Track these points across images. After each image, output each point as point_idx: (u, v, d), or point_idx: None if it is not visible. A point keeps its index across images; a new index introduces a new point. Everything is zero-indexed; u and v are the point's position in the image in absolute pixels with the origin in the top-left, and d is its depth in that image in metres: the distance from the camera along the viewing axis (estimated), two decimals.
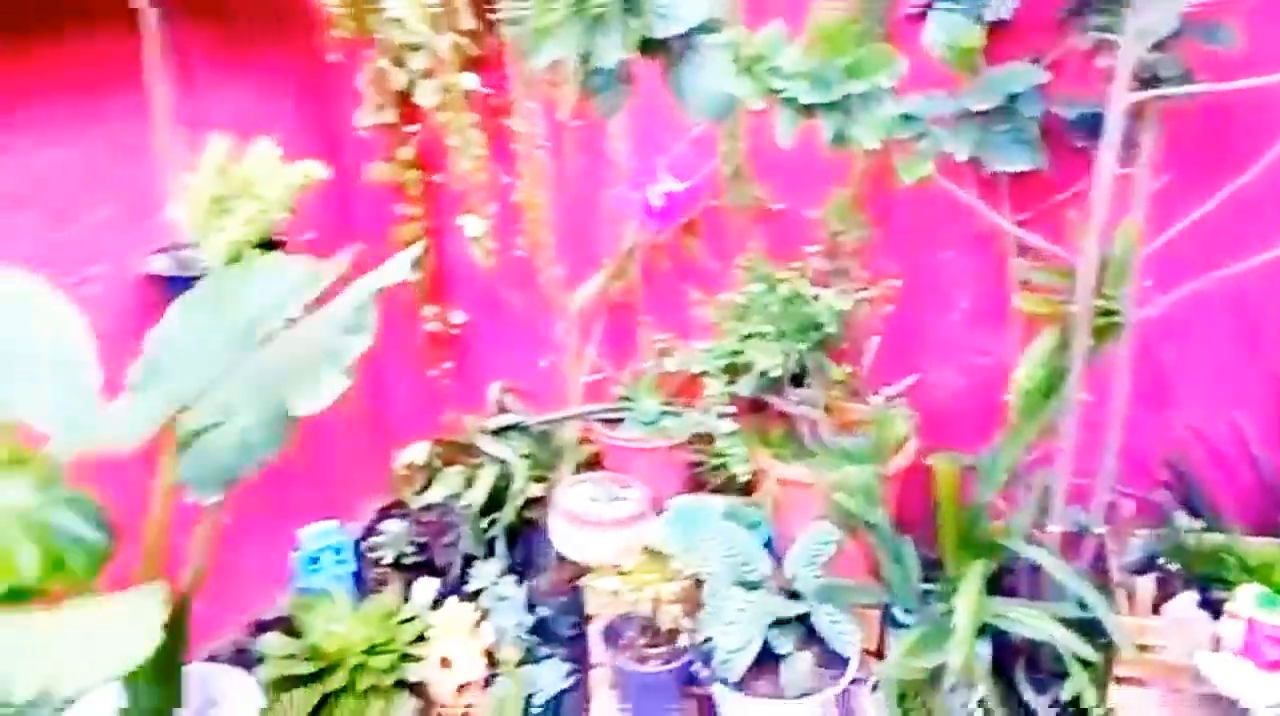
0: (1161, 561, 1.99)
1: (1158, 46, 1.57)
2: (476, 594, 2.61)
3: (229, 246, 1.97)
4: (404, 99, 2.51)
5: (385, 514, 2.92)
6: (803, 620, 1.95)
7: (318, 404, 1.59)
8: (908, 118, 1.71)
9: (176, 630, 1.68)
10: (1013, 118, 1.81)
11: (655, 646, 2.03)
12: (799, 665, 1.88)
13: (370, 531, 2.89)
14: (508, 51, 2.29)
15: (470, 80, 2.40)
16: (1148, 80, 1.61)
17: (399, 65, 2.43)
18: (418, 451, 2.88)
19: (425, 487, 2.85)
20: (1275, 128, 1.74)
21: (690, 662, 1.97)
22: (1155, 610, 1.92)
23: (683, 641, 1.99)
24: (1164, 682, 1.89)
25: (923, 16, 1.98)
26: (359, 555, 2.80)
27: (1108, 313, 1.81)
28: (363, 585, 2.74)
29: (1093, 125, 1.88)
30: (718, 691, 1.95)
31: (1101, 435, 2.01)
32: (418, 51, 2.34)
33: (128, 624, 1.16)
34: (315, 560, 2.73)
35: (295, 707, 2.29)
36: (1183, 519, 2.03)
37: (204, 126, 2.10)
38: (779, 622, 1.92)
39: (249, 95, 2.37)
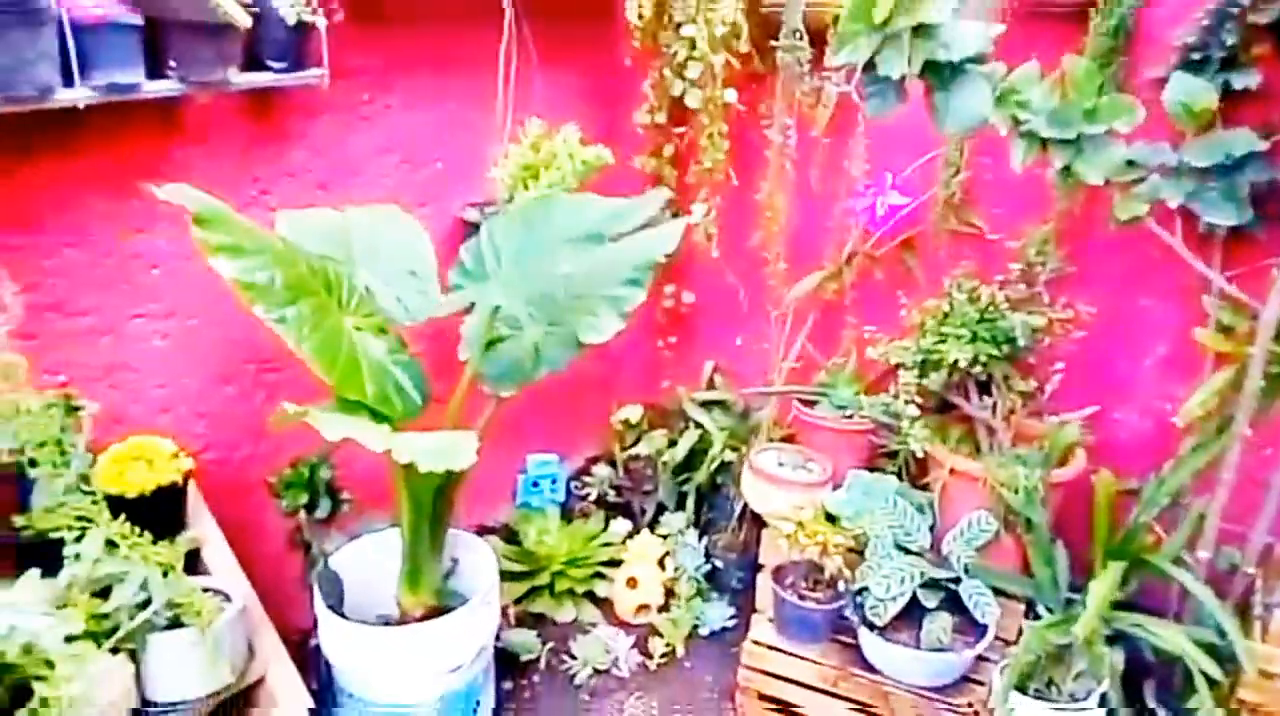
0: None
1: None
2: (665, 537, 3.00)
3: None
4: (675, 104, 2.96)
5: (595, 460, 3.37)
6: (948, 589, 2.22)
7: (599, 337, 2.05)
8: (1131, 162, 1.97)
9: (452, 486, 2.17)
10: (1228, 177, 2.03)
11: (815, 588, 2.35)
12: (939, 622, 2.15)
13: (582, 471, 3.35)
14: (779, 74, 2.67)
15: (730, 95, 2.81)
16: None
17: (678, 75, 2.88)
18: (632, 411, 3.32)
19: (634, 443, 3.27)
20: None
21: (843, 606, 2.28)
22: None
23: (840, 587, 2.30)
24: None
25: (1164, 81, 2.23)
26: (568, 489, 3.26)
27: None
28: (568, 515, 3.20)
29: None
30: (862, 634, 2.25)
31: (1265, 481, 2.17)
32: (697, 64, 2.77)
33: (464, 441, 1.63)
34: (536, 483, 3.20)
35: (506, 594, 2.75)
36: None
37: (525, 109, 2.63)
38: (927, 585, 2.20)
39: (561, 88, 2.87)
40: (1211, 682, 2.03)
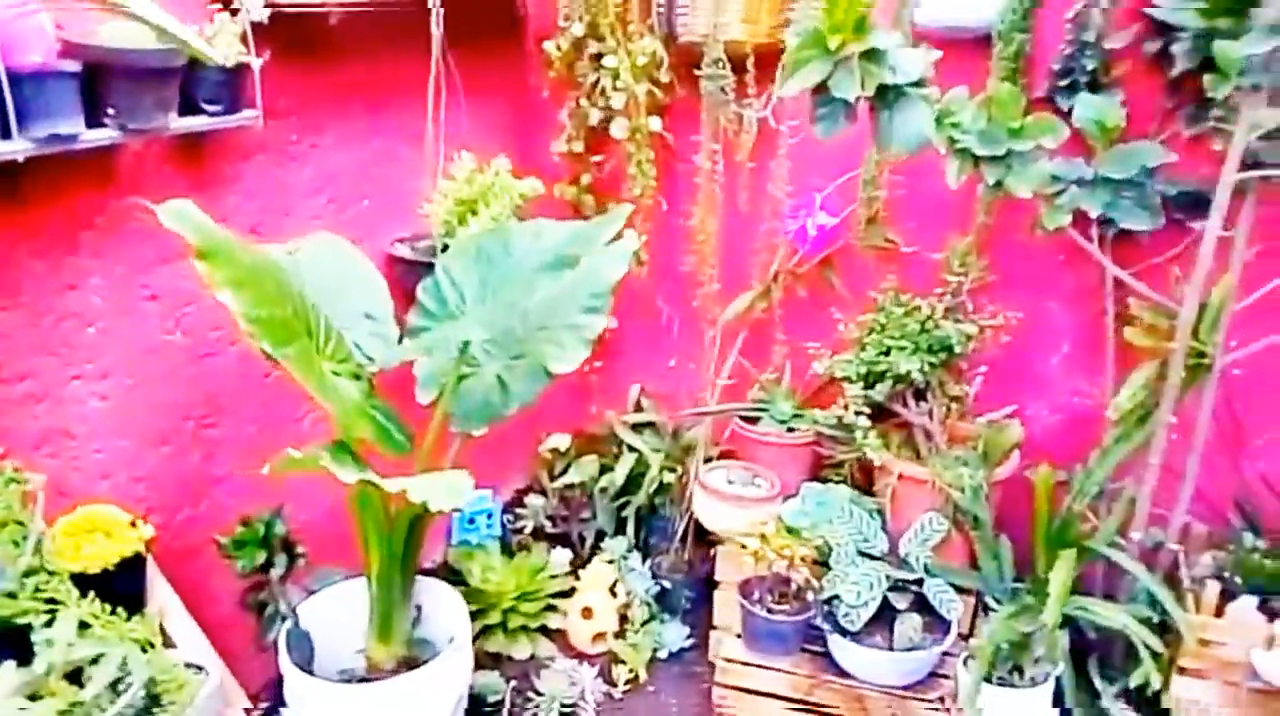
0: (1226, 574, 2.30)
1: (1265, 137, 1.95)
2: (612, 563, 3.00)
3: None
4: (592, 134, 2.99)
5: (525, 491, 3.35)
6: (913, 590, 2.32)
7: (568, 367, 2.04)
8: (1055, 177, 2.12)
9: (421, 530, 2.12)
10: (1138, 187, 2.21)
11: (782, 601, 2.40)
12: (910, 622, 2.25)
13: (514, 503, 3.31)
14: (703, 102, 2.74)
15: (655, 123, 2.87)
16: (1250, 164, 1.99)
17: (595, 105, 2.91)
18: (560, 440, 3.31)
19: (564, 472, 3.26)
20: None
21: (812, 616, 2.35)
22: (1218, 613, 2.24)
23: (809, 598, 2.36)
24: (1221, 676, 2.20)
25: (1048, 101, 2.41)
26: (502, 523, 3.22)
27: (1200, 354, 2.18)
28: (507, 548, 3.15)
29: (1190, 201, 2.28)
30: (835, 642, 2.31)
31: (1183, 467, 2.36)
32: (618, 94, 2.80)
33: (463, 480, 1.61)
34: (472, 520, 3.14)
35: None
36: (1249, 539, 2.35)
37: (451, 143, 2.61)
38: (896, 587, 2.28)
39: (484, 120, 2.83)
40: (1154, 654, 2.19)
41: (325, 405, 1.72)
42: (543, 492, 3.29)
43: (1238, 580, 2.28)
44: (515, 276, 2.03)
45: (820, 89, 1.93)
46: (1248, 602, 2.20)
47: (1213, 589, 2.23)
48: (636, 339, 3.31)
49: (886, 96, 1.93)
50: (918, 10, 2.49)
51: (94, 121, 1.73)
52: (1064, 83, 2.43)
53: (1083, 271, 2.63)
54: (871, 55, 1.87)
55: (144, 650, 1.59)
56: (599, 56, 2.82)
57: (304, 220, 2.40)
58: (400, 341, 2.06)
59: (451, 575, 2.97)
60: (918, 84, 1.94)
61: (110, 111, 1.75)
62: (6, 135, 1.58)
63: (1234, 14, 1.95)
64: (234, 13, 1.97)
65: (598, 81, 2.86)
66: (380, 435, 1.76)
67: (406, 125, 2.62)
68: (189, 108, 1.94)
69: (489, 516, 3.18)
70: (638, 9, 2.74)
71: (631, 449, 3.19)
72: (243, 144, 2.19)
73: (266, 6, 2.00)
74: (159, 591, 1.88)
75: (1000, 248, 2.68)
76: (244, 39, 1.99)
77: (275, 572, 2.16)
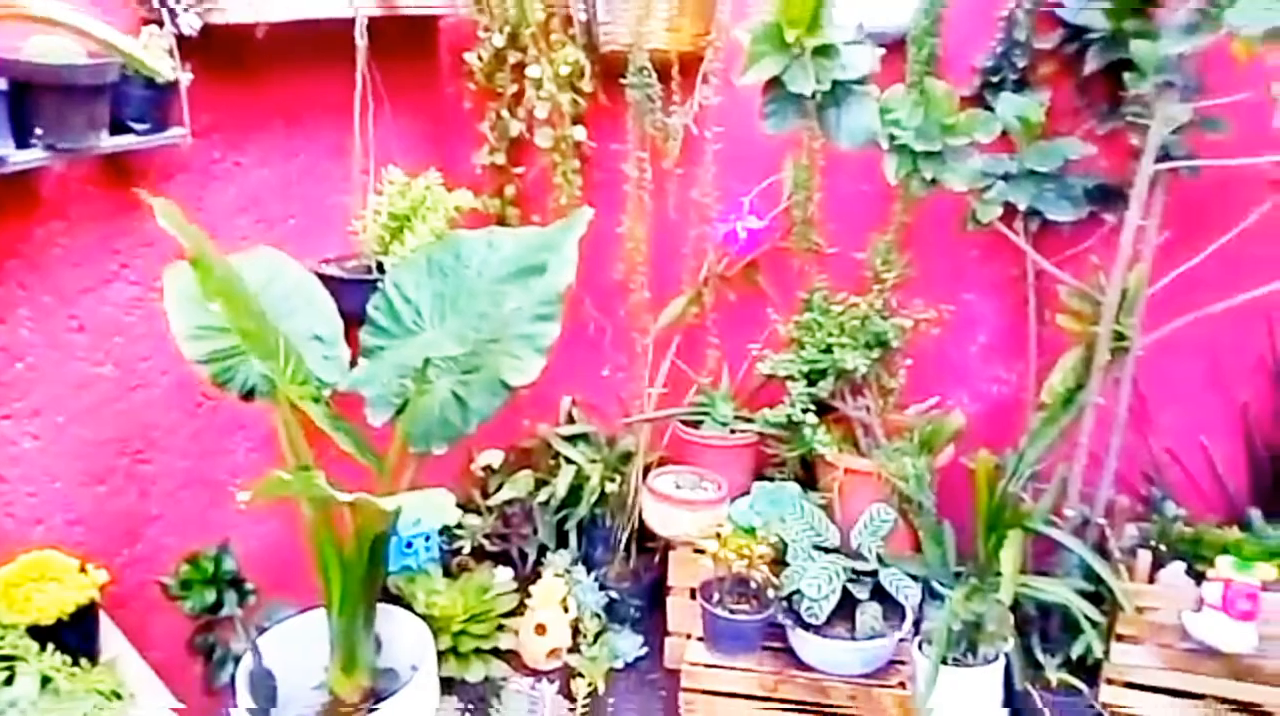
0: (1152, 544, 2.45)
1: (1174, 131, 2.10)
2: (560, 577, 2.97)
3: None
4: (514, 145, 2.97)
5: (462, 509, 3.28)
6: (870, 580, 2.38)
7: (526, 378, 2.02)
8: (984, 173, 2.22)
9: (378, 558, 2.06)
10: (1061, 180, 2.34)
11: (741, 601, 2.43)
12: (871, 611, 2.30)
13: (450, 525, 3.24)
14: (629, 110, 2.75)
15: (580, 132, 2.87)
16: (1161, 157, 2.14)
17: (516, 116, 2.89)
18: (493, 456, 3.26)
19: (498, 489, 3.21)
20: (1252, 200, 2.29)
21: (773, 614, 2.38)
22: (1150, 581, 2.38)
23: (769, 595, 2.40)
24: (1155, 639, 2.34)
25: (976, 99, 2.52)
26: (439, 545, 3.15)
27: (1120, 337, 2.31)
28: (446, 571, 3.08)
29: (1104, 194, 2.42)
30: (798, 637, 2.35)
31: (1102, 446, 2.49)
32: (542, 103, 2.79)
33: (444, 497, 1.57)
34: (410, 544, 3.06)
35: None
36: (1171, 509, 2.50)
37: (376, 157, 2.55)
38: (854, 578, 2.34)
39: (407, 134, 2.78)
40: (1093, 624, 2.31)
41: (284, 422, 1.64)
42: (478, 511, 3.24)
43: (1164, 548, 2.43)
44: (477, 288, 2.00)
45: (771, 84, 1.97)
46: (1176, 568, 2.34)
47: (1144, 558, 2.37)
48: (566, 350, 3.27)
49: (836, 92, 1.98)
50: (836, 14, 2.57)
51: (22, 142, 1.62)
52: (994, 80, 2.55)
53: (1000, 264, 2.76)
54: (825, 51, 1.92)
55: (110, 700, 1.49)
56: (521, 67, 2.80)
57: (232, 241, 2.29)
58: (355, 362, 2.00)
59: (395, 603, 2.89)
60: (862, 81, 2.00)
61: (38, 131, 1.64)
62: None
63: (1138, 15, 2.09)
64: (161, 25, 1.88)
65: (520, 92, 2.84)
66: (358, 450, 1.70)
67: (330, 140, 2.55)
68: (116, 126, 1.84)
69: (426, 539, 3.10)
70: (559, 19, 2.74)
71: (570, 461, 3.16)
72: (167, 164, 2.09)
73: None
74: (111, 639, 1.77)
75: (919, 245, 2.79)
76: (171, 54, 1.90)
77: (224, 612, 2.06)
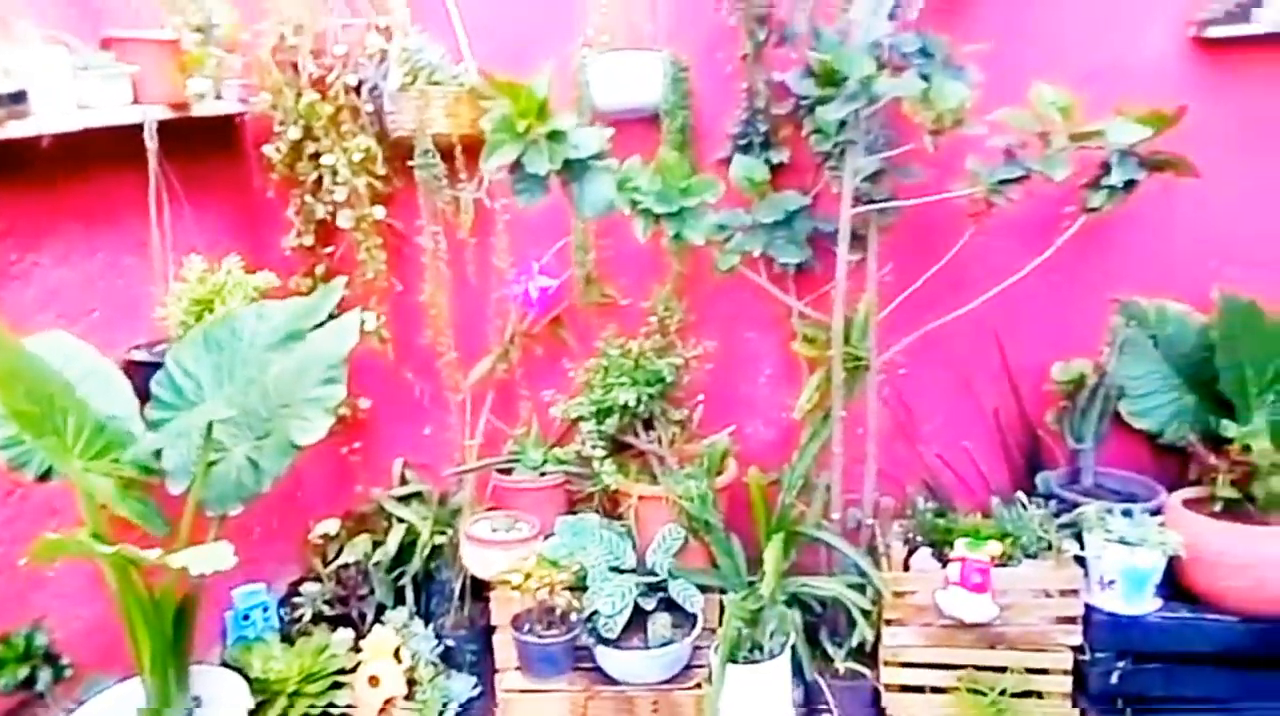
0: (910, 536, 2.77)
1: (869, 179, 2.46)
2: (395, 630, 3.11)
3: None
4: (320, 227, 3.18)
5: (300, 581, 3.39)
6: (661, 593, 2.62)
7: (314, 437, 2.20)
8: (721, 226, 2.54)
9: (191, 612, 2.20)
10: (788, 228, 2.68)
11: (549, 627, 2.64)
12: (660, 621, 2.54)
13: (290, 595, 3.35)
14: (420, 189, 3.01)
15: (379, 211, 3.11)
16: (866, 201, 2.50)
17: (319, 201, 3.11)
18: (330, 525, 3.40)
19: (338, 555, 3.35)
20: (953, 234, 2.69)
21: (578, 635, 2.59)
22: (905, 567, 2.69)
23: (573, 619, 2.61)
24: (917, 619, 2.64)
25: (727, 162, 2.86)
26: (280, 616, 3.25)
27: (856, 358, 2.65)
28: (288, 638, 3.18)
29: (823, 237, 2.78)
30: (601, 652, 2.57)
31: (864, 453, 2.82)
32: (340, 188, 3.02)
33: (221, 548, 1.74)
34: (247, 616, 3.16)
35: None
36: (921, 504, 2.84)
37: (180, 248, 2.72)
38: (644, 593, 2.58)
39: (211, 224, 2.96)
40: (865, 613, 2.60)
41: (82, 495, 1.79)
42: (318, 579, 3.36)
43: (919, 539, 2.75)
44: (249, 357, 2.16)
45: (516, 166, 2.25)
46: (924, 553, 2.66)
47: (898, 548, 2.68)
48: (391, 415, 3.48)
49: (573, 169, 2.27)
50: (597, 95, 2.89)
51: None
52: (742, 143, 2.90)
53: (771, 304, 3.09)
54: (555, 135, 2.21)
55: None
56: (317, 155, 3.03)
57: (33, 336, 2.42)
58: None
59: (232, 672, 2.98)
60: (598, 157, 2.30)
61: None
62: None
63: (834, 84, 2.46)
64: None
65: (320, 178, 3.07)
66: (141, 518, 1.85)
67: (130, 235, 2.71)
68: None
69: (264, 609, 3.20)
70: (348, 110, 2.99)
71: (400, 520, 3.33)
72: None
73: None
74: None
75: (699, 291, 3.11)
76: None
77: (38, 689, 2.15)
